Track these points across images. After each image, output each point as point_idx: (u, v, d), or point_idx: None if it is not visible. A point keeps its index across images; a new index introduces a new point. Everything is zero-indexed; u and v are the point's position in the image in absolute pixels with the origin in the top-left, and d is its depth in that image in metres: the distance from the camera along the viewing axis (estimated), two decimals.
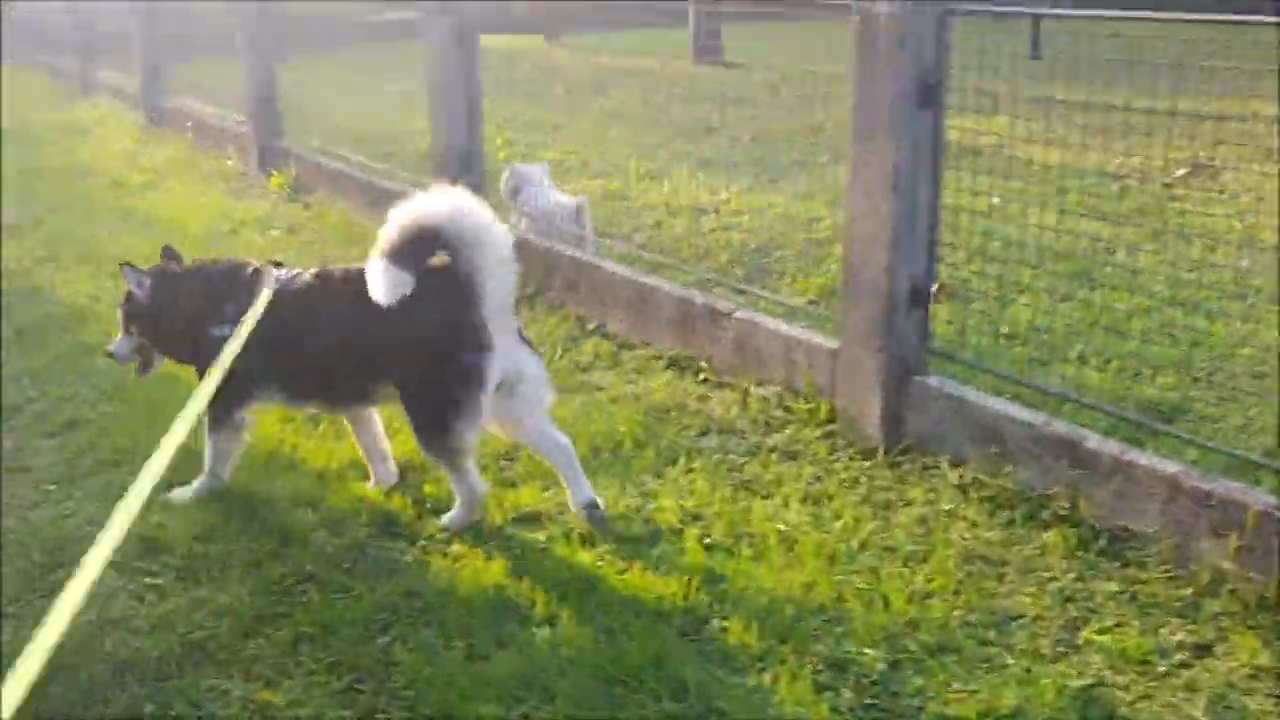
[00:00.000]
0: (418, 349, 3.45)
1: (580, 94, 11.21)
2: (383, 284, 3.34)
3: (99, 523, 3.70)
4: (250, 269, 3.76)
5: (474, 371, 3.40)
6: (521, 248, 5.79)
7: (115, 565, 3.46)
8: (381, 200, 7.33)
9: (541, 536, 3.54)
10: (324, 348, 3.59)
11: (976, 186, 4.12)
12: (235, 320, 3.44)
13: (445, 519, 3.61)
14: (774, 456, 3.98)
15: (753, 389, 4.46)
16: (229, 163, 9.34)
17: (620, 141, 9.47)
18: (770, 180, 8.57)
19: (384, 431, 3.91)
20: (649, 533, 3.53)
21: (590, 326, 5.36)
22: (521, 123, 10.14)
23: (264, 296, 3.55)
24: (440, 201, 3.39)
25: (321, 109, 8.93)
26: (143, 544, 3.57)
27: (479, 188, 6.23)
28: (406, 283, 3.35)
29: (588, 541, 3.48)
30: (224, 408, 3.65)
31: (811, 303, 5.39)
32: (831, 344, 4.20)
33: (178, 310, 3.81)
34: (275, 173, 8.40)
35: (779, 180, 8.58)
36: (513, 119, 10.13)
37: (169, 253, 4.02)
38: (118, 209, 8.11)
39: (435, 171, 6.42)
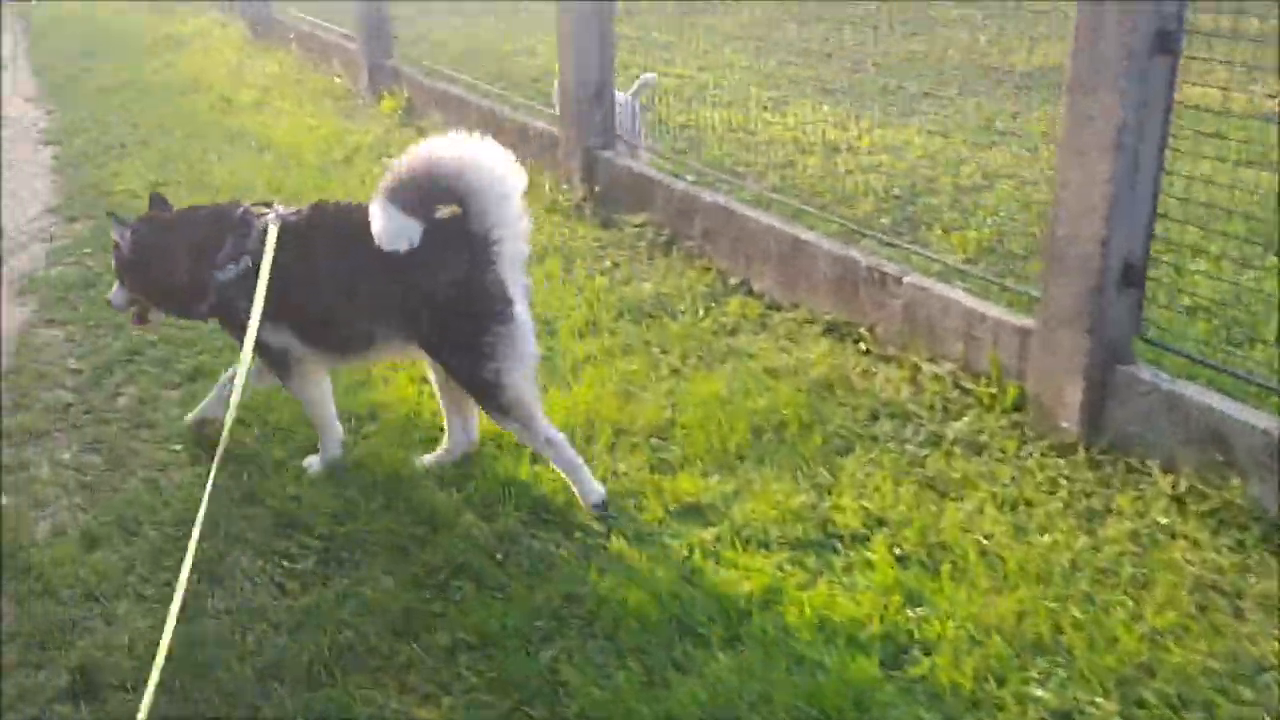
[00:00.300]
0: (444, 306, 3.22)
1: (689, 10, 10.68)
2: (383, 226, 3.10)
3: (232, 490, 3.55)
4: (240, 210, 3.50)
5: (507, 319, 3.20)
6: (654, 187, 5.64)
7: (254, 546, 3.24)
8: (500, 128, 7.05)
9: (708, 535, 3.23)
10: (330, 289, 3.34)
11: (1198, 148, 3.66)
12: (231, 263, 3.36)
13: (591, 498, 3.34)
14: (957, 449, 3.60)
15: (924, 365, 4.08)
16: (336, 80, 9.03)
17: (734, 66, 8.96)
18: (900, 114, 8.04)
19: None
20: (828, 537, 3.21)
21: (733, 281, 4.99)
22: (626, 42, 9.67)
23: (271, 233, 3.32)
24: (457, 148, 3.14)
25: (427, 27, 8.59)
26: (279, 522, 3.34)
27: (608, 122, 5.85)
28: (412, 230, 3.11)
29: (761, 543, 3.17)
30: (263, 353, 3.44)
31: (968, 261, 4.95)
32: (1023, 321, 3.79)
33: (166, 260, 3.54)
34: (386, 94, 8.06)
35: (909, 115, 8.05)
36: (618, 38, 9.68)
37: (157, 200, 3.76)
38: (226, 129, 7.86)
39: (561, 101, 6.03)
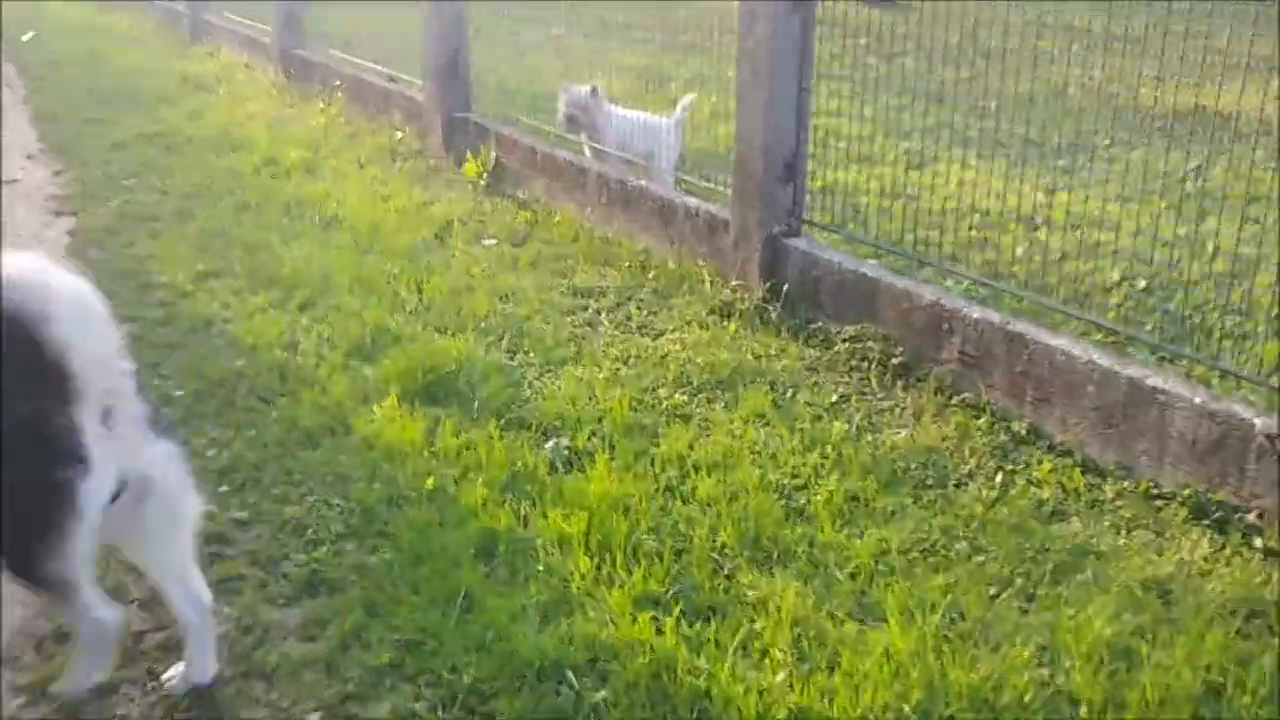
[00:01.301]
0: None
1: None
2: None
3: None
4: None
5: (61, 488, 2.34)
6: (871, 288, 4.22)
7: None
8: (631, 204, 5.80)
9: None
10: None
11: None
12: None
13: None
14: None
15: None
16: (398, 135, 7.74)
17: (839, 110, 7.72)
18: (1066, 171, 6.81)
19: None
20: None
21: (1018, 428, 3.72)
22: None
23: None
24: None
25: (497, 66, 7.31)
26: None
27: (798, 201, 4.60)
28: None
29: None
30: None
31: None
32: None
33: None
34: (470, 155, 6.78)
35: (1073, 170, 6.83)
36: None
37: None
38: (278, 198, 6.55)
39: (738, 175, 4.76)
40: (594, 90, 6.01)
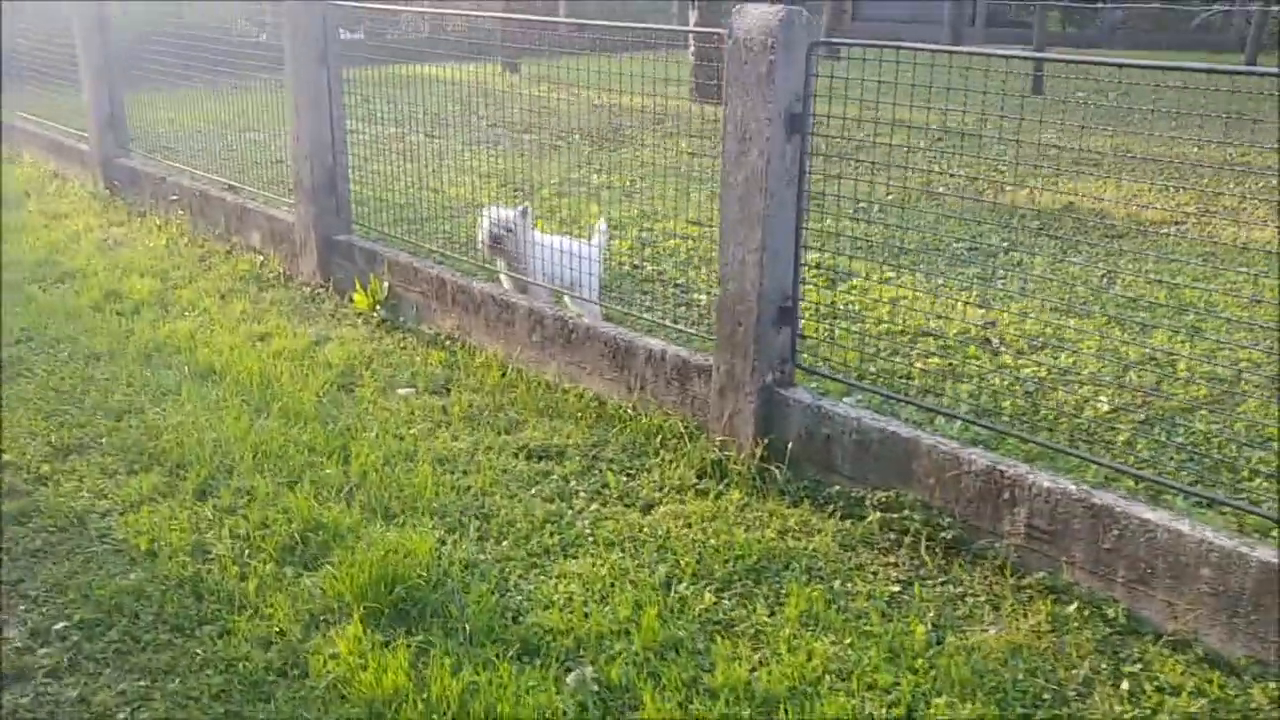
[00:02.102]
0: None
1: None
2: None
3: None
4: None
5: None
6: (898, 448, 3.66)
7: None
8: (573, 344, 5.08)
9: None
10: None
11: None
12: None
13: None
14: None
15: None
16: (259, 260, 6.82)
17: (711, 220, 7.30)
18: (982, 279, 6.57)
19: None
20: None
21: (1111, 613, 3.23)
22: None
23: None
24: None
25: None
26: None
27: (795, 352, 4.07)
28: None
29: None
30: None
31: None
32: None
33: None
34: (357, 284, 5.96)
35: (989, 280, 6.60)
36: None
37: None
38: (134, 344, 5.56)
39: (721, 315, 4.17)
40: (524, 211, 5.36)
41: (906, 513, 3.68)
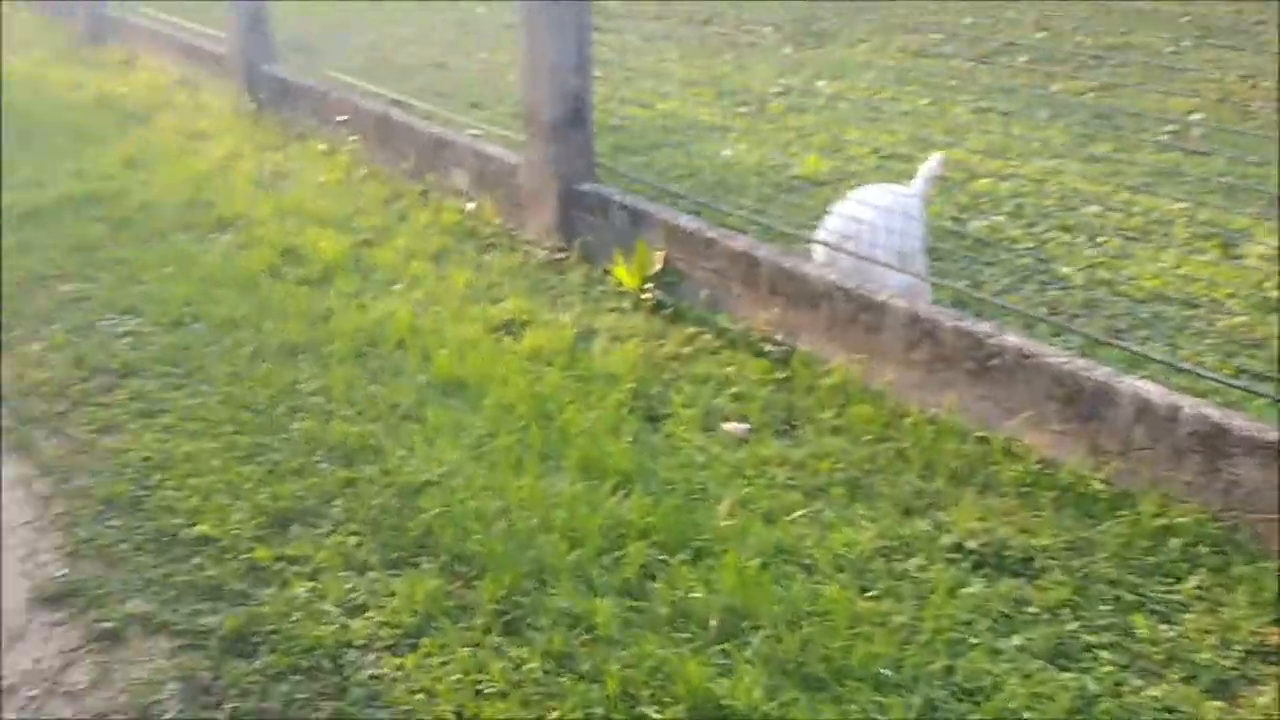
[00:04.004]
0: None
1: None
2: None
3: None
4: None
5: None
6: None
7: None
8: (987, 371, 3.23)
9: None
10: None
11: None
12: None
13: None
14: None
15: None
16: (468, 206, 5.33)
17: (1023, 150, 5.67)
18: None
19: None
20: None
21: None
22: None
23: None
24: None
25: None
26: None
27: None
28: None
29: None
30: None
31: None
32: None
33: None
34: (619, 258, 4.47)
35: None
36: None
37: None
38: (338, 334, 4.15)
39: None
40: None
41: None
